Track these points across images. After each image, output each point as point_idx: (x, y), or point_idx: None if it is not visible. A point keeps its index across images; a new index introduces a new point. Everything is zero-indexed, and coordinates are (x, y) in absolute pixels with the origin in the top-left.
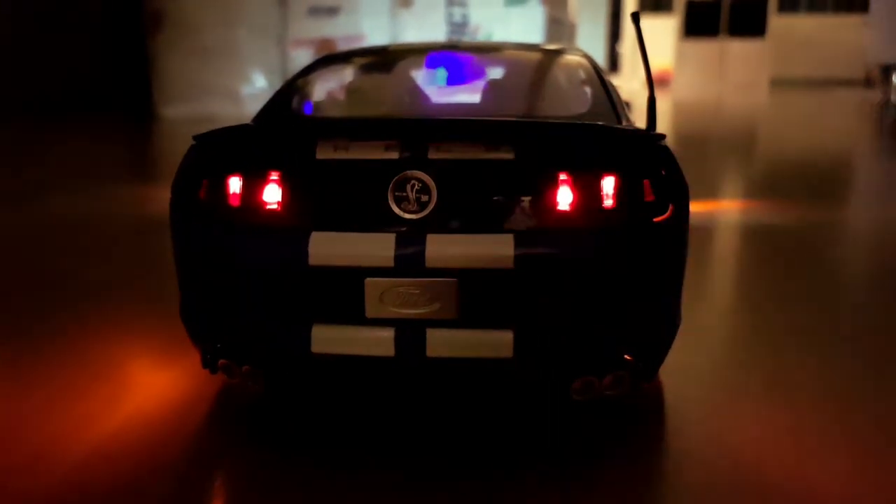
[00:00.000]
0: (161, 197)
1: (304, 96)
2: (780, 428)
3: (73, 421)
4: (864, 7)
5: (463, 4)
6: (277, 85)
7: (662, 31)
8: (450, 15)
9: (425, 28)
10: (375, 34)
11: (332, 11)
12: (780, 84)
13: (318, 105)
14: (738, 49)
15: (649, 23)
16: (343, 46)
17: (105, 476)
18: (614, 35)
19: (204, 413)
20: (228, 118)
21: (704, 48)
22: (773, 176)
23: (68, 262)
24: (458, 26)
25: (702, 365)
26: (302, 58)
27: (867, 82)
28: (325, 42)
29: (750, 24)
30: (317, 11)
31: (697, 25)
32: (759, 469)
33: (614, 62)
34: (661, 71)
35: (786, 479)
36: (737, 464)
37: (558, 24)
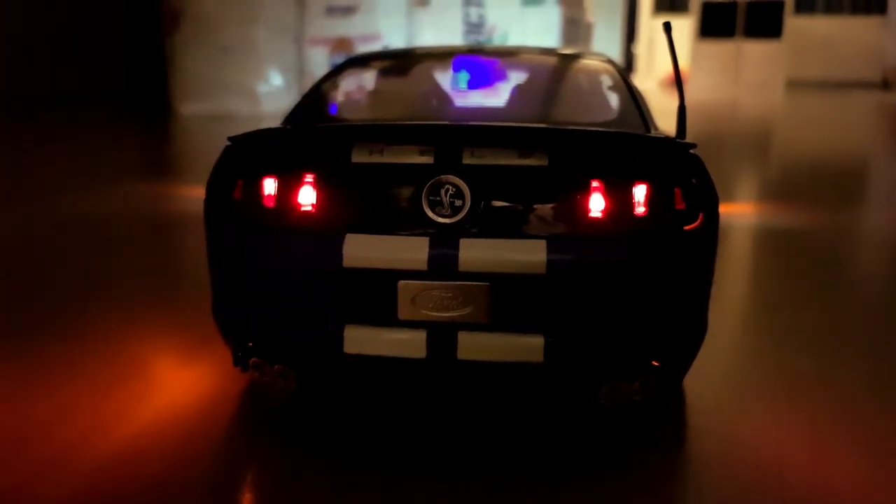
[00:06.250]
0: (178, 194)
1: (334, 98)
2: (801, 431)
3: (99, 419)
4: (881, 8)
5: (479, 4)
6: (294, 83)
7: (678, 32)
8: (466, 14)
9: (442, 28)
10: (392, 34)
11: (348, 10)
12: (795, 86)
13: (347, 107)
14: (754, 50)
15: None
16: (360, 45)
17: (133, 473)
18: (629, 35)
19: (230, 411)
20: (245, 116)
21: (720, 49)
22: (790, 179)
23: (86, 260)
24: (475, 26)
25: (721, 368)
26: (318, 56)
27: (885, 84)
28: (341, 41)
29: (766, 24)
30: (334, 10)
31: (713, 26)
32: (780, 472)
33: (629, 62)
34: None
35: (808, 482)
36: (758, 465)
37: (575, 25)
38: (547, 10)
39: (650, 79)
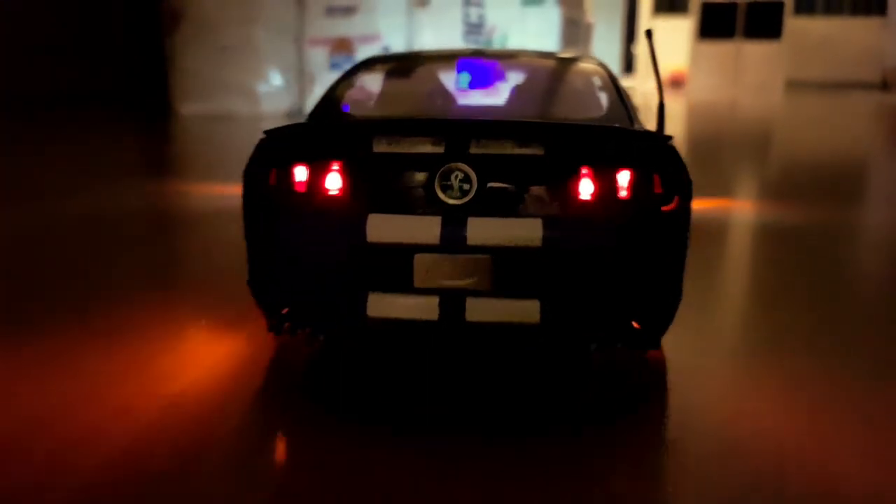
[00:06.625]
0: (180, 192)
1: (351, 96)
2: (801, 431)
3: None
4: (881, 9)
5: (479, 5)
6: (294, 83)
7: (678, 33)
8: (466, 15)
9: (442, 28)
10: (392, 34)
11: (348, 11)
12: (795, 86)
13: (363, 105)
14: (754, 51)
15: (665, 24)
16: (359, 46)
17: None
18: (629, 36)
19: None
20: (245, 116)
21: (720, 50)
22: (789, 178)
23: (87, 260)
24: (475, 27)
25: (720, 367)
26: (318, 57)
27: (884, 85)
28: (341, 41)
29: (766, 25)
30: (333, 11)
31: (713, 27)
32: (780, 472)
33: (629, 63)
34: (675, 72)
35: (808, 482)
36: (758, 465)
37: (574, 25)
38: (547, 10)
39: (649, 79)
